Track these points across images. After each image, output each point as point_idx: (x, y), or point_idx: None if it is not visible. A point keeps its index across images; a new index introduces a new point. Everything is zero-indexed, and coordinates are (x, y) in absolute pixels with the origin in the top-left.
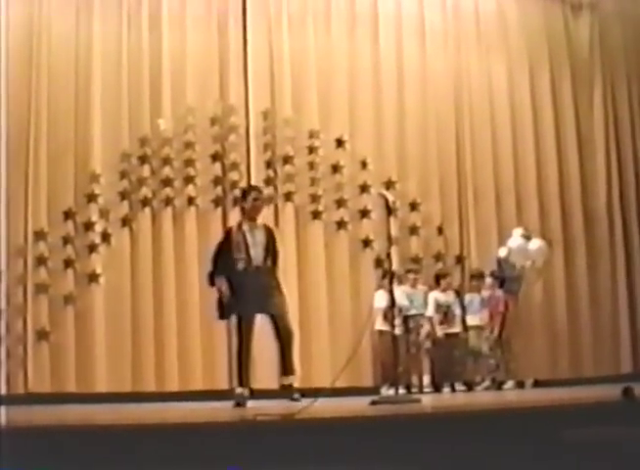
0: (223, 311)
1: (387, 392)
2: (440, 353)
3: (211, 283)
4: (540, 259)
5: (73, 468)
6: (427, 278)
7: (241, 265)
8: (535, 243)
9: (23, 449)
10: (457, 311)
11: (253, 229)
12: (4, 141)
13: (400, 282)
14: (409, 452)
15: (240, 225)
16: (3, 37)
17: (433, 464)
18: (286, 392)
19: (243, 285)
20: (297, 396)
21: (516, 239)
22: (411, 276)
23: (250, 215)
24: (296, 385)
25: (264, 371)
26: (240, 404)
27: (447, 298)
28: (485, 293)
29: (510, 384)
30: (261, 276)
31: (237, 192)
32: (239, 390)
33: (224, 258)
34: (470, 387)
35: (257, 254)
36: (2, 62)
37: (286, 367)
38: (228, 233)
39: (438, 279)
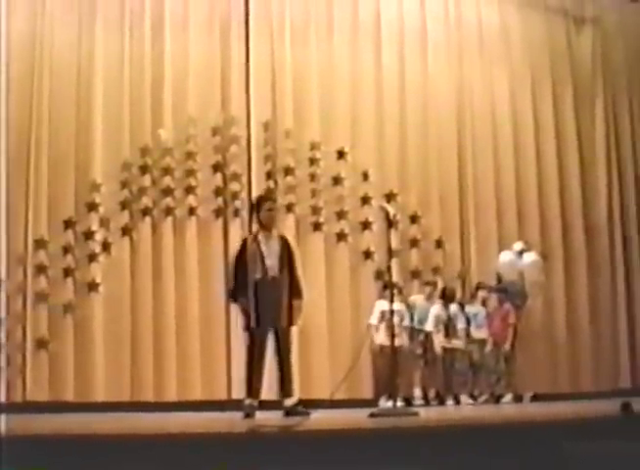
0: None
1: (385, 404)
2: (441, 367)
3: (233, 299)
4: (534, 274)
5: None
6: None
7: (257, 276)
8: (529, 257)
9: (21, 458)
10: (460, 325)
11: (269, 239)
12: (4, 149)
13: (400, 293)
14: (407, 464)
15: (255, 236)
16: (3, 46)
17: None
18: (290, 412)
19: (258, 296)
20: (302, 409)
21: (506, 254)
22: (427, 289)
23: (264, 226)
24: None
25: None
26: (249, 415)
27: (448, 311)
28: (491, 305)
29: (508, 397)
30: (276, 288)
31: (238, 203)
32: (247, 401)
33: (242, 271)
34: (472, 398)
35: (273, 264)
36: (2, 70)
37: (285, 389)
38: (244, 244)
39: (444, 294)
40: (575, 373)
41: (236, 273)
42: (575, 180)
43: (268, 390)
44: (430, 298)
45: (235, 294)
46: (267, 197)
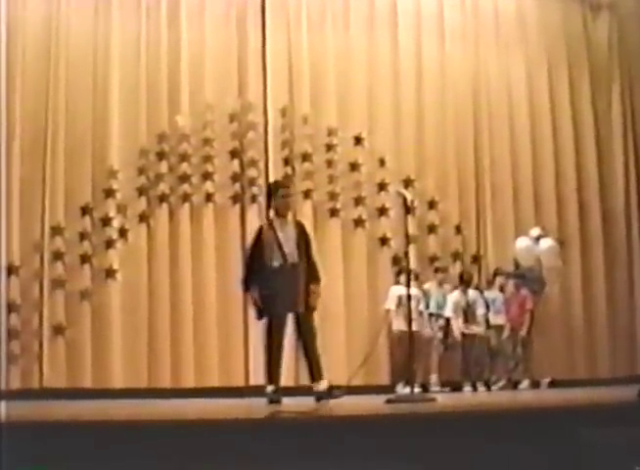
0: (261, 313)
1: (402, 390)
2: (459, 353)
3: (245, 289)
4: (551, 259)
5: (89, 464)
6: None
7: (276, 263)
8: (546, 243)
9: (36, 445)
10: (480, 311)
11: (284, 226)
12: (18, 136)
13: (417, 279)
14: (424, 450)
15: (270, 223)
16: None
17: (446, 463)
18: (325, 396)
19: (277, 283)
20: (337, 392)
21: (523, 240)
22: (439, 275)
23: (279, 212)
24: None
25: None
26: (274, 401)
27: (467, 297)
28: (509, 291)
29: (525, 384)
30: (296, 274)
31: (255, 189)
32: (270, 388)
33: (258, 259)
34: (486, 386)
35: (291, 251)
36: (19, 57)
37: (313, 373)
38: (259, 232)
39: (462, 279)
40: (593, 359)
41: (251, 261)
42: (592, 165)
43: (285, 375)
44: (441, 284)
45: (247, 282)
46: (281, 183)
